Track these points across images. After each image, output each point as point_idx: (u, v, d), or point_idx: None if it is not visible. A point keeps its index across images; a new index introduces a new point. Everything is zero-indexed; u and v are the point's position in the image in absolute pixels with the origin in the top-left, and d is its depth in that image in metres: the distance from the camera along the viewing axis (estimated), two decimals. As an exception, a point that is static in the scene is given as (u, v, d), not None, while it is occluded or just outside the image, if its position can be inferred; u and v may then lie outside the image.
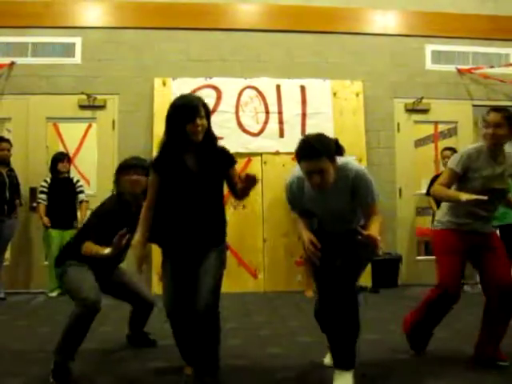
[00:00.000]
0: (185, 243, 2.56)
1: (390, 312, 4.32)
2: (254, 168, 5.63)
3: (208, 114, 2.56)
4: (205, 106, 2.54)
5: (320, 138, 2.46)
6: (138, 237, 2.53)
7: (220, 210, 2.66)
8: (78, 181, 5.51)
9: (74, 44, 5.81)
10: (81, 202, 5.41)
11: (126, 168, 3.01)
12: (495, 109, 2.91)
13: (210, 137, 2.59)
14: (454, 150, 5.09)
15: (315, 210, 2.67)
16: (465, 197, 2.68)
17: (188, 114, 2.46)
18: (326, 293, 2.63)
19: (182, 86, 5.70)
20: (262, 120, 5.76)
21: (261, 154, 5.71)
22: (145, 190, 2.73)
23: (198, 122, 2.46)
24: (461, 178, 2.90)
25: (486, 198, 2.66)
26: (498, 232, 5.43)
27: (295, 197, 2.66)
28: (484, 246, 2.93)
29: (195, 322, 2.47)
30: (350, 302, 2.57)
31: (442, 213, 3.01)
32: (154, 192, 2.57)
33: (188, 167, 2.54)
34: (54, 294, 5.20)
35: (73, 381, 2.65)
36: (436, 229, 3.03)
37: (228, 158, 2.63)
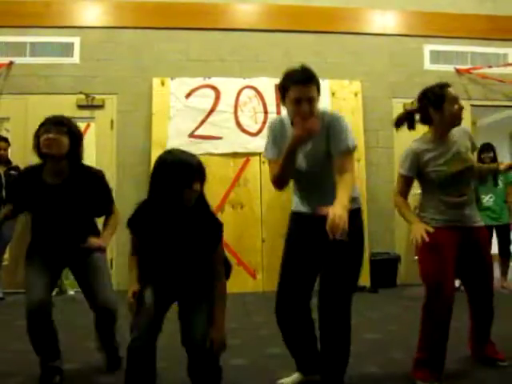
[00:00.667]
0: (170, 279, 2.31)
1: (389, 312, 4.33)
2: (253, 168, 5.63)
3: (204, 175, 2.25)
4: (201, 165, 2.22)
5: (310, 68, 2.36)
6: (132, 289, 2.30)
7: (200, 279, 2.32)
8: None
9: (72, 44, 5.80)
10: None
11: (40, 127, 2.68)
12: (445, 83, 2.73)
13: (203, 202, 2.28)
14: None
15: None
16: (413, 235, 2.65)
17: (187, 177, 2.15)
18: (285, 293, 2.54)
19: (180, 86, 5.71)
20: (260, 120, 5.76)
21: (259, 154, 5.70)
22: (70, 151, 2.64)
23: (195, 187, 2.17)
24: (419, 177, 2.77)
25: (431, 230, 2.58)
26: (494, 232, 5.49)
27: (276, 137, 2.50)
28: (470, 244, 2.75)
29: (195, 362, 2.23)
30: (344, 327, 2.42)
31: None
32: (134, 247, 2.41)
33: (171, 231, 2.25)
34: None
35: (73, 381, 2.65)
36: None
37: (215, 235, 2.29)
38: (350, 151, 2.40)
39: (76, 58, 5.81)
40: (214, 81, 5.77)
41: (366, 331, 3.60)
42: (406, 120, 2.90)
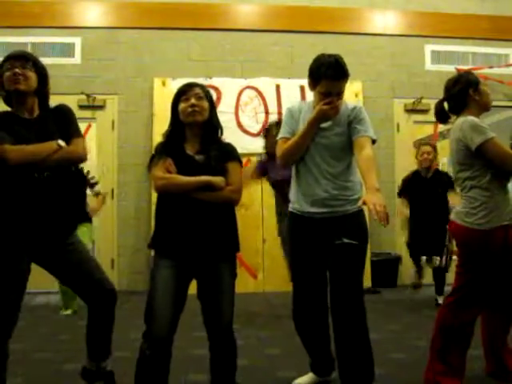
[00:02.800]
0: (189, 246, 2.19)
1: (389, 312, 4.33)
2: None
3: (209, 98, 2.31)
4: (204, 88, 2.31)
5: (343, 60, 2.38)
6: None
7: (230, 212, 2.34)
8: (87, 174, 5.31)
9: (73, 44, 5.81)
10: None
11: (1, 64, 2.38)
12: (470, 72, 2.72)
13: (213, 126, 2.34)
14: (433, 147, 4.92)
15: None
16: None
17: (181, 90, 2.27)
18: (302, 294, 2.54)
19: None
20: (261, 120, 5.76)
21: (260, 155, 5.71)
22: (38, 89, 2.36)
23: (193, 101, 2.22)
24: (473, 165, 2.54)
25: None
26: None
27: (292, 119, 2.50)
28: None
29: (218, 344, 2.26)
30: (361, 321, 2.41)
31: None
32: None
33: (188, 155, 2.28)
34: (69, 311, 4.52)
35: (74, 380, 2.65)
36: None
37: (230, 152, 2.35)
38: (371, 139, 2.47)
39: (77, 59, 5.82)
40: (215, 81, 5.77)
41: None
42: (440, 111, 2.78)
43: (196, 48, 5.92)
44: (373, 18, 6.20)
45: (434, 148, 4.87)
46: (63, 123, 2.41)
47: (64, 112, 2.47)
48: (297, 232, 2.58)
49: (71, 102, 5.88)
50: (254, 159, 4.75)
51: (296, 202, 2.58)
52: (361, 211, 2.49)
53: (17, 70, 2.30)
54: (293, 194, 2.62)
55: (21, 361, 2.97)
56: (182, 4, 5.86)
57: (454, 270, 2.64)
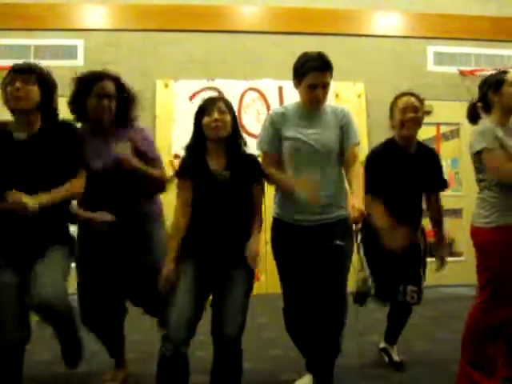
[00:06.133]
0: (213, 249, 2.29)
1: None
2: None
3: (232, 111, 2.43)
4: (227, 102, 2.43)
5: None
6: (168, 264, 2.25)
7: (248, 221, 2.38)
8: None
9: (76, 46, 5.82)
10: None
11: (6, 76, 2.33)
12: (506, 70, 2.70)
13: (236, 139, 2.46)
14: (420, 101, 3.11)
15: (296, 144, 2.50)
16: None
17: (204, 106, 2.37)
18: (293, 301, 2.58)
19: (183, 88, 5.71)
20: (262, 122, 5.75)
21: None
22: (42, 103, 2.35)
23: (216, 115, 2.31)
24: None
25: None
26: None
27: (276, 131, 2.55)
28: None
29: (221, 355, 2.27)
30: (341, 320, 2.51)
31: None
32: (183, 204, 2.32)
33: (211, 169, 2.35)
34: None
35: (75, 380, 2.65)
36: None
37: (255, 168, 2.45)
38: (358, 144, 2.58)
39: (80, 61, 5.82)
40: (217, 83, 5.77)
41: (369, 332, 3.59)
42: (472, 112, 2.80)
43: (198, 50, 5.93)
44: (375, 20, 6.19)
45: (422, 102, 3.10)
46: (69, 145, 2.41)
47: (70, 132, 2.47)
48: (282, 239, 2.59)
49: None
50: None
51: (281, 208, 2.59)
52: (347, 219, 2.51)
53: (18, 84, 2.27)
54: (278, 199, 2.62)
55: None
56: (185, 6, 5.87)
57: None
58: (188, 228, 2.31)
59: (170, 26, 5.89)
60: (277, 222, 2.62)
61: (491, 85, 2.66)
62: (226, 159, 2.39)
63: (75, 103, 2.55)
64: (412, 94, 3.05)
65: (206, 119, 2.32)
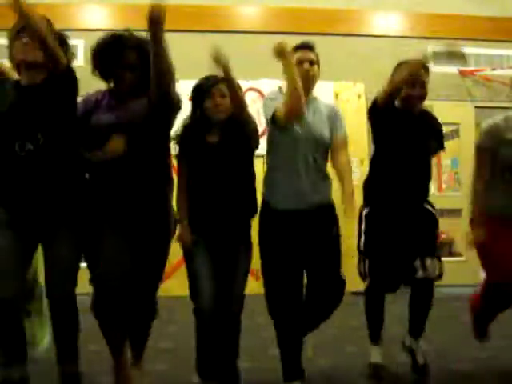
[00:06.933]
0: (213, 223, 2.52)
1: (391, 313, 4.31)
2: (257, 170, 5.62)
3: (239, 88, 2.61)
4: (230, 81, 2.58)
5: None
6: (181, 228, 2.48)
7: (249, 189, 2.67)
8: None
9: (76, 46, 5.81)
10: None
11: (15, 31, 2.40)
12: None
13: (238, 117, 2.57)
14: (426, 69, 3.07)
15: (292, 132, 2.59)
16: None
17: (205, 87, 2.58)
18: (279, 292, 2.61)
19: (183, 89, 5.69)
20: (264, 122, 5.75)
21: (263, 156, 5.70)
22: (57, 60, 2.37)
23: (218, 100, 2.48)
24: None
25: None
26: None
27: (276, 100, 2.63)
28: None
29: (227, 324, 2.53)
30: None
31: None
32: (184, 173, 2.55)
33: (208, 143, 2.53)
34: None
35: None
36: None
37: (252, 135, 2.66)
38: (345, 138, 2.76)
39: (80, 61, 5.82)
40: (217, 83, 5.77)
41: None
42: None
43: (198, 50, 5.91)
44: (375, 20, 6.21)
45: (428, 73, 3.07)
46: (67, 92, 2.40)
47: (70, 80, 2.47)
48: (272, 229, 2.62)
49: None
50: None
51: (271, 196, 2.64)
52: (333, 205, 2.68)
53: (25, 39, 2.30)
54: (268, 188, 2.68)
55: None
56: (185, 7, 5.87)
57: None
58: (190, 206, 2.50)
59: (171, 26, 5.80)
60: (265, 211, 2.68)
61: None
62: (222, 133, 2.56)
63: (97, 69, 2.59)
64: (422, 65, 3.01)
65: (207, 102, 2.51)
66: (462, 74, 6.19)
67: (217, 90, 2.48)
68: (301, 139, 2.56)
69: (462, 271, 5.31)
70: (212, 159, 2.48)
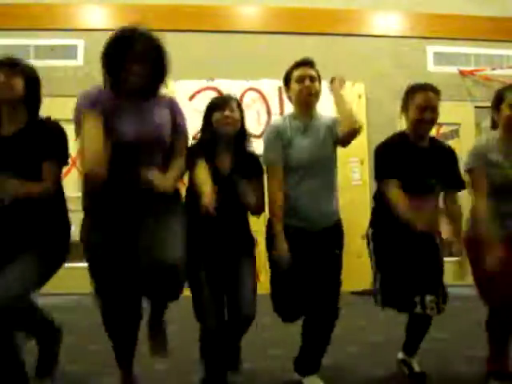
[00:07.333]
0: (215, 246, 2.54)
1: (391, 314, 4.31)
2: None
3: (241, 110, 2.62)
4: (237, 101, 2.62)
5: None
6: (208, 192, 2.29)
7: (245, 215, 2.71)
8: None
9: (76, 46, 5.82)
10: None
11: None
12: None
13: (244, 136, 2.63)
14: (436, 93, 2.94)
15: (297, 153, 2.61)
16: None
17: (216, 102, 2.55)
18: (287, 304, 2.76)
19: (183, 88, 5.71)
20: (264, 122, 5.76)
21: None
22: (27, 96, 2.38)
23: (227, 113, 2.48)
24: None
25: None
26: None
27: (280, 141, 2.61)
28: None
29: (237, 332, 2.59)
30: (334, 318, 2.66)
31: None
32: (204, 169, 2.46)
33: (220, 172, 2.52)
34: None
35: (76, 381, 2.65)
36: None
37: (255, 165, 2.66)
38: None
39: (80, 61, 5.83)
40: (217, 83, 5.78)
41: (370, 333, 3.60)
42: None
43: (198, 50, 5.93)
44: (375, 20, 6.20)
45: (439, 97, 2.94)
46: (47, 142, 2.39)
47: (53, 133, 2.47)
48: (292, 247, 2.64)
49: (74, 104, 5.90)
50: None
51: (288, 217, 2.65)
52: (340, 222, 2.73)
53: (2, 77, 2.28)
54: (285, 208, 2.65)
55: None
56: (185, 6, 5.88)
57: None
58: (194, 229, 2.43)
59: (170, 26, 5.89)
60: (289, 228, 2.67)
61: (493, 102, 2.75)
62: (233, 157, 2.57)
63: (107, 67, 2.49)
64: (431, 89, 2.85)
65: (216, 115, 2.49)
66: (462, 73, 6.19)
67: (227, 104, 2.53)
68: (306, 171, 2.64)
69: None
70: (224, 190, 2.44)
